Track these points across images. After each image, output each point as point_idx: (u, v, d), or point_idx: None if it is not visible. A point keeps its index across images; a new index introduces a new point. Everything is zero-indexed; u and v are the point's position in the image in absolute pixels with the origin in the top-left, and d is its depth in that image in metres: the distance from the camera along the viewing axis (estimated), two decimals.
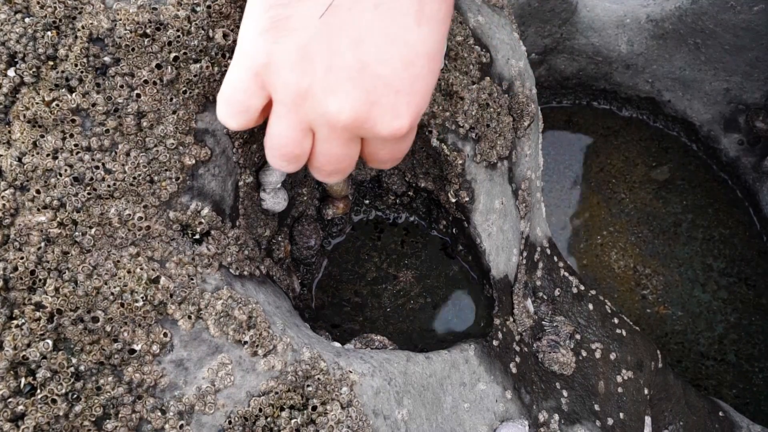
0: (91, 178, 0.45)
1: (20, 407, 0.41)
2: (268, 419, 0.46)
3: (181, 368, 0.45)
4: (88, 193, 0.45)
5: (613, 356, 0.77)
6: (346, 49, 0.41)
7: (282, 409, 0.47)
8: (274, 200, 0.59)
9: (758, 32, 1.05)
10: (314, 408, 0.48)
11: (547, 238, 0.80)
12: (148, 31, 0.46)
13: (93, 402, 0.43)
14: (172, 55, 0.47)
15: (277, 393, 0.47)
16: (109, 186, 0.46)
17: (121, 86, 0.46)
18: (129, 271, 0.46)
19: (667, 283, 1.13)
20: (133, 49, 0.46)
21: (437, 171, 0.67)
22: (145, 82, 0.47)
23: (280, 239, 0.64)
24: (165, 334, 0.45)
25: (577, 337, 0.76)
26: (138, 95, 0.46)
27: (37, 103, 0.45)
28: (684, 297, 1.12)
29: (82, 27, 0.45)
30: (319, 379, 0.49)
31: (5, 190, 0.43)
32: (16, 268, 0.43)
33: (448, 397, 0.59)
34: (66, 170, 0.45)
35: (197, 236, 0.50)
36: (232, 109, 0.45)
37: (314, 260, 0.69)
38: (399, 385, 0.53)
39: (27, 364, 0.42)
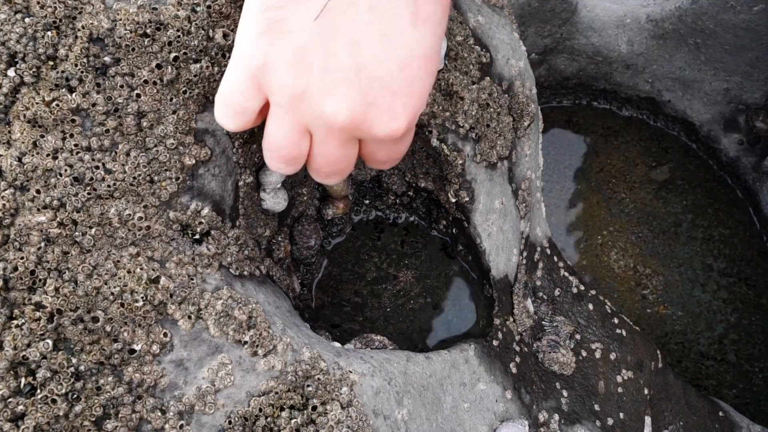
0: (91, 178, 0.45)
1: (20, 407, 0.41)
2: (268, 419, 0.46)
3: (181, 368, 0.45)
4: (88, 193, 0.45)
5: (613, 356, 0.77)
6: (341, 51, 0.41)
7: (282, 409, 0.47)
8: (274, 200, 0.59)
9: (758, 32, 1.05)
10: (314, 408, 0.48)
11: (547, 238, 0.80)
12: (148, 31, 0.46)
13: (93, 402, 0.43)
14: (172, 55, 0.47)
15: (277, 393, 0.47)
16: (109, 186, 0.46)
17: (121, 86, 0.46)
18: (129, 271, 0.46)
19: (667, 283, 1.13)
20: (133, 49, 0.46)
21: (437, 171, 0.67)
22: (145, 82, 0.47)
23: (280, 239, 0.64)
24: (165, 334, 0.45)
25: (577, 337, 0.76)
26: (138, 95, 0.47)
27: (37, 103, 0.45)
28: (684, 297, 1.12)
29: (82, 27, 0.45)
30: (319, 379, 0.49)
31: (5, 190, 0.43)
32: (16, 268, 0.43)
33: (448, 397, 0.59)
34: (66, 170, 0.45)
35: (197, 236, 0.50)
36: (230, 110, 0.45)
37: (314, 260, 0.69)
38: (399, 385, 0.53)
39: (27, 364, 0.42)
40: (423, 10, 0.43)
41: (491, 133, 0.64)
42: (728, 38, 1.08)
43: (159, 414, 0.44)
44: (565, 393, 0.72)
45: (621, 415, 0.75)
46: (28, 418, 0.41)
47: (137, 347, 0.45)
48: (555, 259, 0.80)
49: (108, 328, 0.44)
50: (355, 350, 0.56)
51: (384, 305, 0.70)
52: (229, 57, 0.49)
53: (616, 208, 1.19)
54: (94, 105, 0.46)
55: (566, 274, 0.80)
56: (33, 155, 0.44)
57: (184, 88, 0.48)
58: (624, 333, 0.80)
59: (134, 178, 0.46)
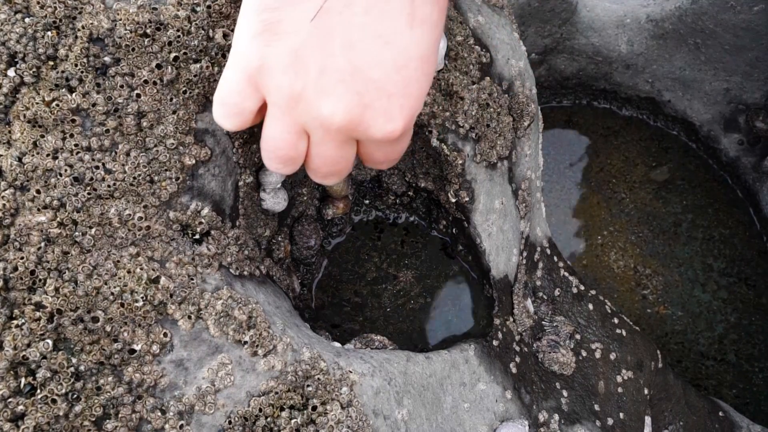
0: (91, 178, 0.45)
1: (20, 407, 0.41)
2: (268, 419, 0.46)
3: (181, 368, 0.45)
4: (88, 193, 0.45)
5: (613, 356, 0.77)
6: (338, 53, 0.41)
7: (282, 409, 0.47)
8: (274, 200, 0.59)
9: (758, 32, 1.05)
10: (314, 408, 0.48)
11: (547, 238, 0.80)
12: (148, 31, 0.46)
13: (93, 402, 0.43)
14: (172, 55, 0.47)
15: (277, 393, 0.47)
16: (109, 186, 0.46)
17: (121, 86, 0.46)
18: (129, 271, 0.46)
19: (667, 283, 1.13)
20: (133, 49, 0.46)
21: (437, 171, 0.67)
22: (145, 82, 0.47)
23: (280, 239, 0.64)
24: (165, 334, 0.45)
25: (577, 337, 0.76)
26: (138, 95, 0.47)
27: (37, 103, 0.45)
28: (684, 297, 1.12)
29: (82, 27, 0.45)
30: (319, 379, 0.49)
31: (5, 190, 0.43)
32: (16, 268, 0.43)
33: (448, 397, 0.59)
34: (66, 170, 0.45)
35: (197, 236, 0.50)
36: (227, 110, 0.45)
37: (314, 260, 0.69)
38: (399, 385, 0.53)
39: (27, 364, 0.42)
40: (420, 11, 0.43)
41: (491, 133, 0.64)
42: (728, 38, 1.08)
43: (159, 414, 0.44)
44: (565, 393, 0.72)
45: (621, 415, 0.75)
46: (28, 418, 0.41)
47: (137, 347, 0.45)
48: (555, 259, 0.80)
49: (108, 328, 0.44)
50: (355, 350, 0.56)
51: (384, 305, 0.70)
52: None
53: (616, 208, 1.19)
54: (94, 105, 0.46)
55: (566, 274, 0.80)
56: (33, 155, 0.44)
57: (184, 88, 0.48)
58: (624, 333, 0.80)
59: (134, 178, 0.46)
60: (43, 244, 0.44)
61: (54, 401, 0.42)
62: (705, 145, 1.22)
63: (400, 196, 0.73)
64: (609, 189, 1.21)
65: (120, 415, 0.43)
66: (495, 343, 0.66)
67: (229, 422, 0.45)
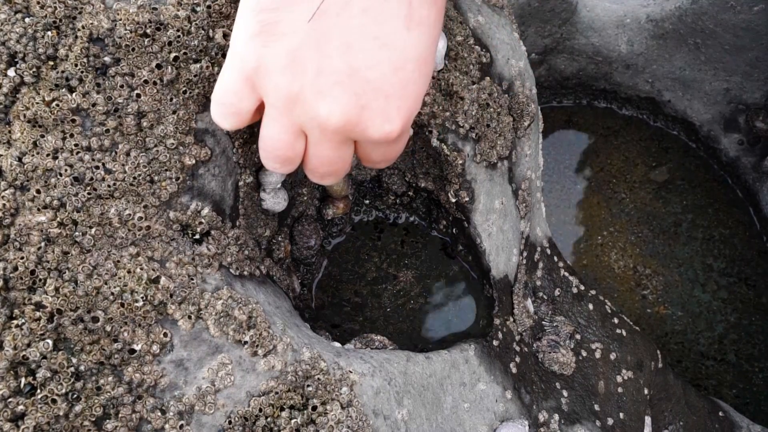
0: (91, 178, 0.45)
1: (20, 407, 0.41)
2: (268, 419, 0.46)
3: (181, 368, 0.46)
4: (88, 193, 0.45)
5: (613, 356, 0.77)
6: (335, 54, 0.42)
7: (282, 409, 0.47)
8: (274, 200, 0.59)
9: (758, 32, 1.05)
10: (314, 408, 0.48)
11: (547, 238, 0.80)
12: (148, 31, 0.46)
13: (93, 402, 0.43)
14: (172, 55, 0.47)
15: (277, 393, 0.47)
16: (109, 186, 0.46)
17: (121, 86, 0.46)
18: (129, 271, 0.46)
19: (667, 283, 1.13)
20: (133, 49, 0.46)
21: (437, 171, 0.67)
22: (145, 82, 0.47)
23: (280, 239, 0.64)
24: (165, 334, 0.45)
25: (577, 337, 0.76)
26: (138, 95, 0.47)
27: (37, 103, 0.45)
28: (684, 297, 1.12)
29: (82, 27, 0.45)
30: (319, 379, 0.49)
31: (5, 190, 0.43)
32: (16, 268, 0.43)
33: (448, 397, 0.59)
34: (66, 170, 0.45)
35: (197, 236, 0.50)
36: (224, 110, 0.45)
37: (314, 260, 0.69)
38: (399, 385, 0.53)
39: (27, 364, 0.42)
40: (417, 13, 0.43)
41: (491, 133, 0.64)
42: (728, 38, 1.08)
43: (159, 414, 0.44)
44: (565, 393, 0.72)
45: (621, 415, 0.75)
46: (28, 418, 0.41)
47: (137, 347, 0.45)
48: (555, 259, 0.80)
49: (108, 328, 0.44)
50: (355, 350, 0.56)
51: (384, 305, 0.70)
52: None
53: (616, 208, 1.19)
54: (94, 105, 0.46)
55: (566, 274, 0.80)
56: (33, 155, 0.44)
57: (184, 88, 0.48)
58: (624, 333, 0.80)
59: (134, 178, 0.46)
60: (43, 244, 0.44)
61: (54, 401, 0.42)
62: (705, 145, 1.22)
63: (400, 196, 0.73)
64: (609, 189, 1.21)
65: (120, 415, 0.43)
66: (495, 343, 0.66)
67: (229, 422, 0.45)
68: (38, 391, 0.42)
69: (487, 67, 0.64)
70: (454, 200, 0.65)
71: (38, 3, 0.45)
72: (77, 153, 0.45)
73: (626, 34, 1.16)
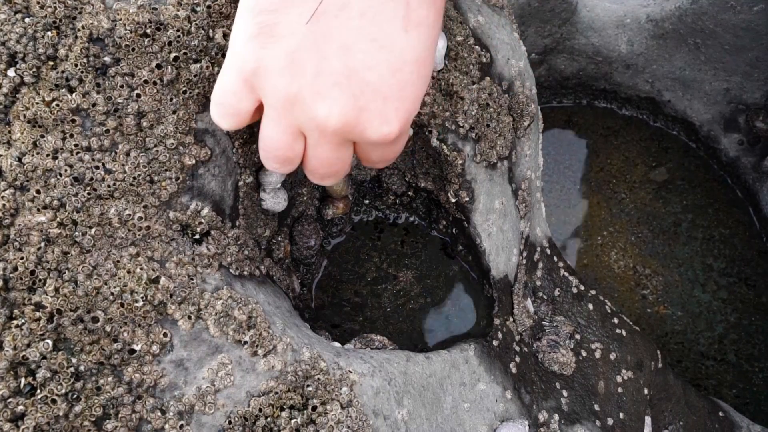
0: (91, 178, 0.45)
1: (20, 407, 0.41)
2: (268, 419, 0.46)
3: (181, 368, 0.45)
4: (88, 193, 0.45)
5: (613, 356, 0.77)
6: (333, 55, 0.42)
7: (282, 409, 0.47)
8: (274, 200, 0.59)
9: (758, 32, 1.05)
10: (314, 408, 0.48)
11: (547, 238, 0.80)
12: (148, 31, 0.46)
13: (93, 402, 0.43)
14: (172, 55, 0.47)
15: (277, 393, 0.47)
16: (109, 186, 0.46)
17: (121, 86, 0.46)
18: (129, 271, 0.46)
19: (667, 283, 1.13)
20: (133, 49, 0.46)
21: (437, 171, 0.67)
22: (145, 82, 0.47)
23: (280, 239, 0.64)
24: (165, 334, 0.45)
25: (577, 337, 0.76)
26: (138, 95, 0.47)
27: (37, 103, 0.45)
28: (684, 297, 1.12)
29: (82, 27, 0.45)
30: (319, 379, 0.49)
31: (5, 190, 0.43)
32: (16, 268, 0.43)
33: (448, 397, 0.59)
34: (66, 170, 0.45)
35: (197, 236, 0.50)
36: (223, 111, 0.46)
37: (314, 260, 0.69)
38: (399, 385, 0.53)
39: (27, 364, 0.42)
40: (415, 14, 0.43)
41: (491, 133, 0.64)
42: (728, 38, 1.08)
43: (159, 414, 0.44)
44: (565, 393, 0.72)
45: (621, 415, 0.75)
46: (28, 418, 0.41)
47: (137, 347, 0.45)
48: (555, 259, 0.80)
49: (108, 328, 0.44)
50: (355, 350, 0.56)
51: (384, 305, 0.70)
52: None
53: (616, 208, 1.19)
54: (94, 105, 0.46)
55: (566, 274, 0.80)
56: (33, 155, 0.44)
57: (184, 88, 0.48)
58: (624, 333, 0.80)
59: (134, 178, 0.46)
60: (43, 244, 0.44)
61: (54, 401, 0.42)
62: (705, 145, 1.22)
63: (400, 196, 0.73)
64: (609, 189, 1.21)
65: (120, 415, 0.43)
66: (495, 343, 0.66)
67: (229, 422, 0.45)
68: (38, 391, 0.42)
69: (487, 67, 0.64)
70: (454, 200, 0.65)
71: (38, 3, 0.45)
72: (77, 153, 0.45)
73: (626, 34, 1.16)
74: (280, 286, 0.62)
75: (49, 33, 0.45)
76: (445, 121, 0.62)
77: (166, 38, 0.47)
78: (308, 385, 0.48)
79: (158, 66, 0.47)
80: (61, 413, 0.42)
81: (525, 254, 0.74)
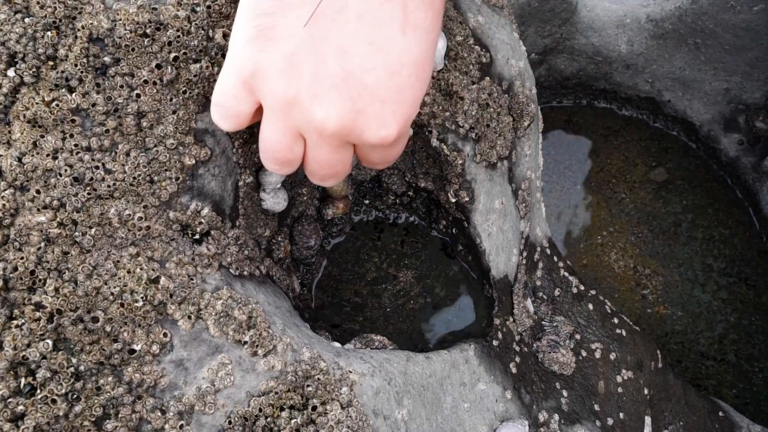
0: (91, 178, 0.45)
1: (20, 407, 0.41)
2: (268, 419, 0.46)
3: (181, 368, 0.45)
4: (88, 193, 0.45)
5: (613, 356, 0.77)
6: (330, 58, 0.42)
7: (282, 409, 0.47)
8: (274, 200, 0.59)
9: (758, 32, 1.05)
10: (314, 408, 0.48)
11: (547, 238, 0.80)
12: (148, 31, 0.46)
13: (93, 402, 0.43)
14: (172, 55, 0.47)
15: (277, 393, 0.47)
16: (109, 186, 0.46)
17: (121, 86, 0.46)
18: (129, 271, 0.46)
19: (667, 283, 1.13)
20: (133, 49, 0.46)
21: (437, 171, 0.67)
22: (145, 82, 0.47)
23: (280, 239, 0.64)
24: (165, 334, 0.45)
25: (577, 337, 0.76)
26: (138, 95, 0.46)
27: (37, 103, 0.45)
28: (684, 297, 1.12)
29: (82, 27, 0.45)
30: (319, 379, 0.49)
31: (5, 190, 0.43)
32: (16, 268, 0.43)
33: (448, 397, 0.59)
34: (66, 170, 0.45)
35: (197, 236, 0.50)
36: (223, 112, 0.46)
37: (314, 260, 0.69)
38: (399, 385, 0.53)
39: (27, 364, 0.42)
40: (413, 17, 0.43)
41: (491, 133, 0.64)
42: (728, 38, 1.08)
43: (159, 414, 0.44)
44: (565, 393, 0.72)
45: (621, 415, 0.75)
46: (28, 418, 0.41)
47: (137, 347, 0.45)
48: (555, 259, 0.80)
49: (108, 328, 0.44)
50: (355, 350, 0.56)
51: (384, 305, 0.70)
52: None
53: (616, 208, 1.19)
54: (94, 105, 0.46)
55: (566, 274, 0.80)
56: (33, 155, 0.44)
57: (184, 88, 0.48)
58: (624, 333, 0.80)
59: (134, 178, 0.46)
60: (43, 244, 0.44)
61: (54, 401, 0.42)
62: (705, 145, 1.22)
63: (400, 196, 0.73)
64: (609, 189, 1.21)
65: (120, 415, 0.43)
66: (495, 343, 0.66)
67: (229, 422, 0.45)
68: (38, 391, 0.42)
69: (487, 67, 0.64)
70: (454, 200, 0.65)
71: (38, 3, 0.45)
72: (77, 153, 0.45)
73: (626, 34, 1.16)
74: (280, 286, 0.62)
75: (49, 33, 0.45)
76: (445, 121, 0.62)
77: (166, 38, 0.47)
78: (308, 385, 0.48)
79: (158, 66, 0.47)
80: (61, 413, 0.42)
81: (525, 254, 0.74)
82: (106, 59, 0.46)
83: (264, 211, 0.60)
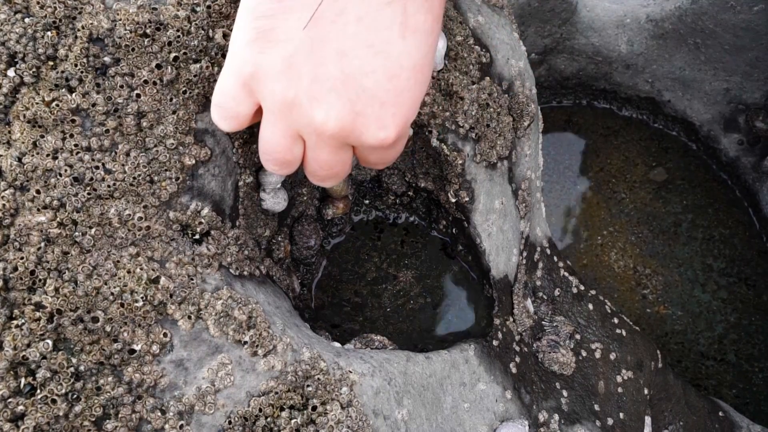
0: (91, 178, 0.45)
1: (20, 407, 0.41)
2: (268, 419, 0.46)
3: (181, 368, 0.45)
4: (88, 193, 0.45)
5: (613, 356, 0.77)
6: (329, 61, 0.42)
7: (282, 409, 0.47)
8: (274, 200, 0.59)
9: (758, 32, 1.05)
10: (314, 408, 0.48)
11: (547, 238, 0.80)
12: (148, 31, 0.46)
13: (93, 402, 0.43)
14: (172, 55, 0.47)
15: (277, 393, 0.47)
16: (109, 186, 0.46)
17: (121, 86, 0.46)
18: (129, 271, 0.46)
19: (667, 283, 1.13)
20: (133, 49, 0.46)
21: (437, 171, 0.67)
22: (145, 82, 0.47)
23: (280, 239, 0.64)
24: (165, 334, 0.45)
25: (577, 337, 0.76)
26: (138, 95, 0.47)
27: (37, 103, 0.45)
28: (684, 297, 1.12)
29: (82, 27, 0.45)
30: (319, 379, 0.49)
31: (5, 190, 0.43)
32: (16, 268, 0.43)
33: (448, 397, 0.59)
34: (66, 170, 0.45)
35: (197, 236, 0.50)
36: (223, 113, 0.46)
37: (314, 260, 0.69)
38: (399, 385, 0.53)
39: (27, 364, 0.42)
40: (413, 20, 0.43)
41: (491, 133, 0.64)
42: (728, 38, 1.08)
43: (159, 414, 0.44)
44: (565, 393, 0.72)
45: (621, 415, 0.75)
46: (28, 418, 0.41)
47: (137, 347, 0.45)
48: (555, 259, 0.80)
49: (108, 328, 0.44)
50: (355, 350, 0.56)
51: (384, 305, 0.70)
52: None
53: (616, 208, 1.19)
54: (94, 105, 0.46)
55: (566, 274, 0.80)
56: (33, 155, 0.44)
57: (184, 88, 0.48)
58: (624, 333, 0.80)
59: (134, 178, 0.46)
60: (43, 244, 0.44)
61: (54, 401, 0.42)
62: (705, 145, 1.22)
63: (400, 196, 0.73)
64: (609, 189, 1.21)
65: (120, 415, 0.43)
66: (495, 343, 0.66)
67: (229, 422, 0.45)
68: (38, 391, 0.42)
69: (487, 67, 0.64)
70: (454, 200, 0.65)
71: (38, 3, 0.45)
72: (77, 153, 0.45)
73: (626, 34, 1.16)
74: (280, 286, 0.62)
75: (48, 33, 0.45)
76: (445, 121, 0.62)
77: (166, 38, 0.47)
78: (308, 385, 0.48)
79: (158, 66, 0.47)
80: (61, 413, 0.42)
81: (525, 254, 0.74)
82: (106, 59, 0.46)
83: (264, 211, 0.60)
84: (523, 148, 0.71)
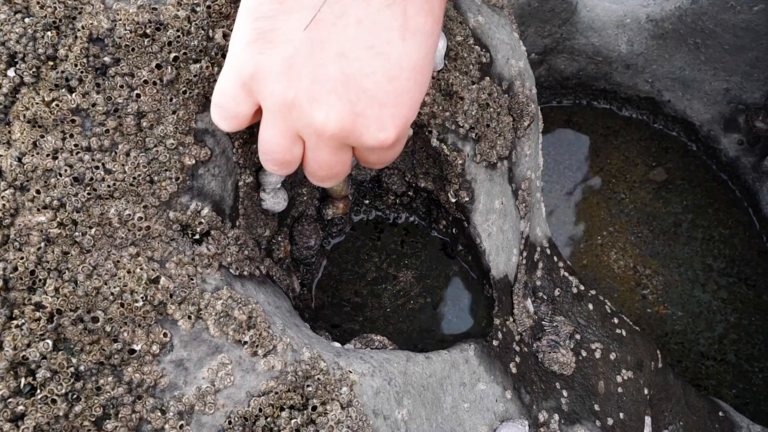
0: (91, 178, 0.45)
1: (20, 407, 0.41)
2: (268, 419, 0.46)
3: (181, 368, 0.45)
4: (88, 193, 0.45)
5: (613, 356, 0.77)
6: (329, 62, 0.42)
7: (282, 409, 0.47)
8: (274, 200, 0.59)
9: (758, 32, 1.05)
10: (314, 408, 0.48)
11: (547, 238, 0.80)
12: (148, 31, 0.46)
13: (93, 402, 0.43)
14: (172, 55, 0.47)
15: (277, 393, 0.47)
16: (109, 186, 0.46)
17: (121, 86, 0.46)
18: (129, 271, 0.46)
19: (667, 283, 1.13)
20: (133, 49, 0.46)
21: (437, 171, 0.67)
22: (145, 82, 0.47)
23: (280, 239, 0.64)
24: (165, 334, 0.45)
25: (577, 337, 0.76)
26: (138, 95, 0.47)
27: (37, 103, 0.45)
28: (684, 297, 1.12)
29: (82, 27, 0.45)
30: (319, 379, 0.49)
31: (5, 190, 0.43)
32: (16, 268, 0.43)
33: (448, 397, 0.59)
34: (66, 170, 0.45)
35: (197, 236, 0.50)
36: (223, 113, 0.46)
37: (314, 260, 0.69)
38: (399, 385, 0.53)
39: (27, 364, 0.42)
40: (413, 22, 0.43)
41: (491, 133, 0.64)
42: (728, 38, 1.08)
43: (159, 414, 0.44)
44: (565, 393, 0.72)
45: (621, 415, 0.75)
46: (28, 418, 0.41)
47: (137, 347, 0.45)
48: (555, 259, 0.80)
49: (108, 328, 0.44)
50: (355, 350, 0.56)
51: (384, 305, 0.70)
52: None
53: (616, 208, 1.19)
54: (94, 105, 0.46)
55: (566, 274, 0.80)
56: (33, 155, 0.44)
57: (184, 88, 0.48)
58: (624, 333, 0.80)
59: (134, 178, 0.46)
60: (43, 244, 0.44)
61: (54, 401, 0.42)
62: (705, 145, 1.22)
63: (400, 196, 0.73)
64: (609, 189, 1.21)
65: (120, 415, 0.43)
66: (495, 343, 0.66)
67: (229, 422, 0.45)
68: (38, 391, 0.42)
69: (487, 67, 0.64)
70: (454, 200, 0.65)
71: (38, 3, 0.45)
72: (77, 153, 0.45)
73: (626, 34, 1.16)
74: (280, 286, 0.62)
75: (48, 33, 0.45)
76: (445, 121, 0.62)
77: (166, 38, 0.47)
78: (308, 385, 0.48)
79: (158, 66, 0.47)
80: (61, 413, 0.42)
81: (525, 254, 0.74)
82: (106, 59, 0.46)
83: (264, 211, 0.60)
84: (523, 148, 0.71)
